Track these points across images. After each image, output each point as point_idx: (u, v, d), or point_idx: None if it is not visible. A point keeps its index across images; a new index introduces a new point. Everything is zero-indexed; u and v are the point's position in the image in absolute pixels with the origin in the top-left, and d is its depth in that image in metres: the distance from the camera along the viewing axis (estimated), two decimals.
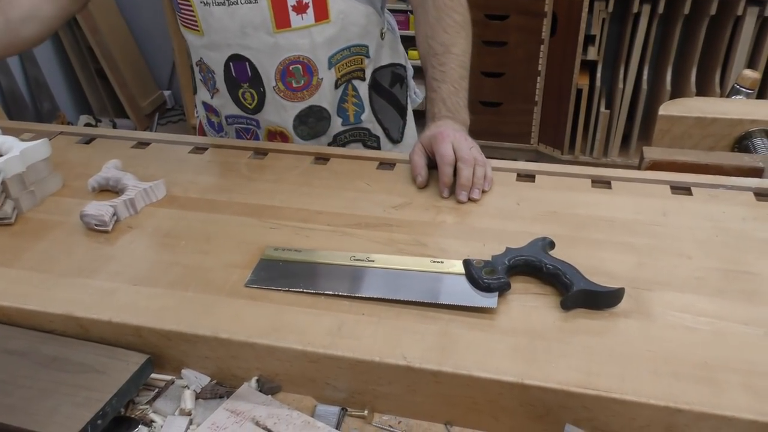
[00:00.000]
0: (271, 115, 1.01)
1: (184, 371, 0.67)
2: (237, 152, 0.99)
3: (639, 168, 0.94)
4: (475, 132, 0.91)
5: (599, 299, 0.65)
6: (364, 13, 0.98)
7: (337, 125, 1.05)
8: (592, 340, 0.62)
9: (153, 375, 0.67)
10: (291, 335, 0.64)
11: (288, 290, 0.70)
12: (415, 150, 0.89)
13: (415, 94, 1.19)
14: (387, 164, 0.95)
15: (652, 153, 0.93)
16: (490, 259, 0.70)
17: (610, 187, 0.87)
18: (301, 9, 0.92)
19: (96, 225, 0.79)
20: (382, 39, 1.04)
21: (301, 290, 0.69)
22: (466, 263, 0.70)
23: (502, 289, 0.67)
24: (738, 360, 0.59)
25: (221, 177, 0.93)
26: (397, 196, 0.86)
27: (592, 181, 0.88)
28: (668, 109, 1.05)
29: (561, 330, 0.63)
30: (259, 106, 1.01)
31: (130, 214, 0.83)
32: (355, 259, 0.73)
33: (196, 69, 1.07)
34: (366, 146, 1.09)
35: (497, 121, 2.73)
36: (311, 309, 0.67)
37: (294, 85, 0.98)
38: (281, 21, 0.93)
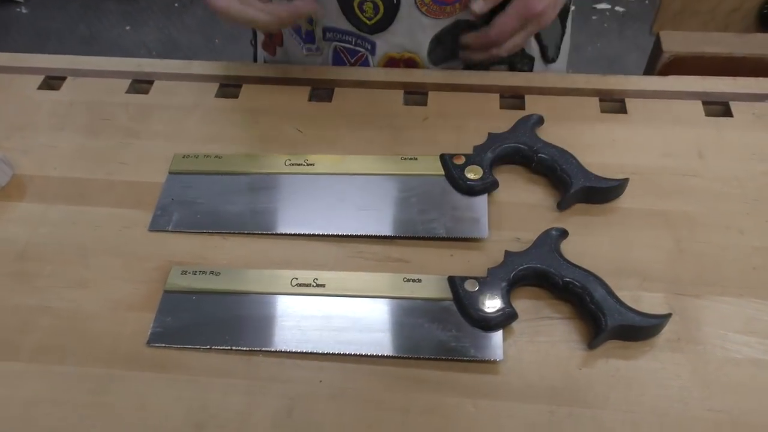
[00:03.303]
0: (400, 37, 0.69)
1: None
2: (110, 82, 0.70)
3: (655, 67, 0.71)
4: None
5: (639, 332, 0.48)
6: None
7: None
8: (635, 400, 0.46)
9: None
10: None
11: (209, 348, 0.50)
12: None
13: None
14: (323, 89, 0.69)
15: (671, 42, 0.70)
16: (485, 274, 0.50)
17: (625, 111, 0.65)
18: None
19: None
20: None
21: (228, 347, 0.49)
22: (452, 283, 0.50)
23: (507, 323, 0.49)
24: None
25: (90, 133, 0.65)
26: None
27: (600, 100, 0.66)
28: None
29: (588, 383, 0.47)
30: (383, 24, 0.68)
31: None
32: (298, 284, 0.52)
33: None
34: (515, 70, 0.74)
35: None
36: (245, 380, 0.48)
37: None
38: None
